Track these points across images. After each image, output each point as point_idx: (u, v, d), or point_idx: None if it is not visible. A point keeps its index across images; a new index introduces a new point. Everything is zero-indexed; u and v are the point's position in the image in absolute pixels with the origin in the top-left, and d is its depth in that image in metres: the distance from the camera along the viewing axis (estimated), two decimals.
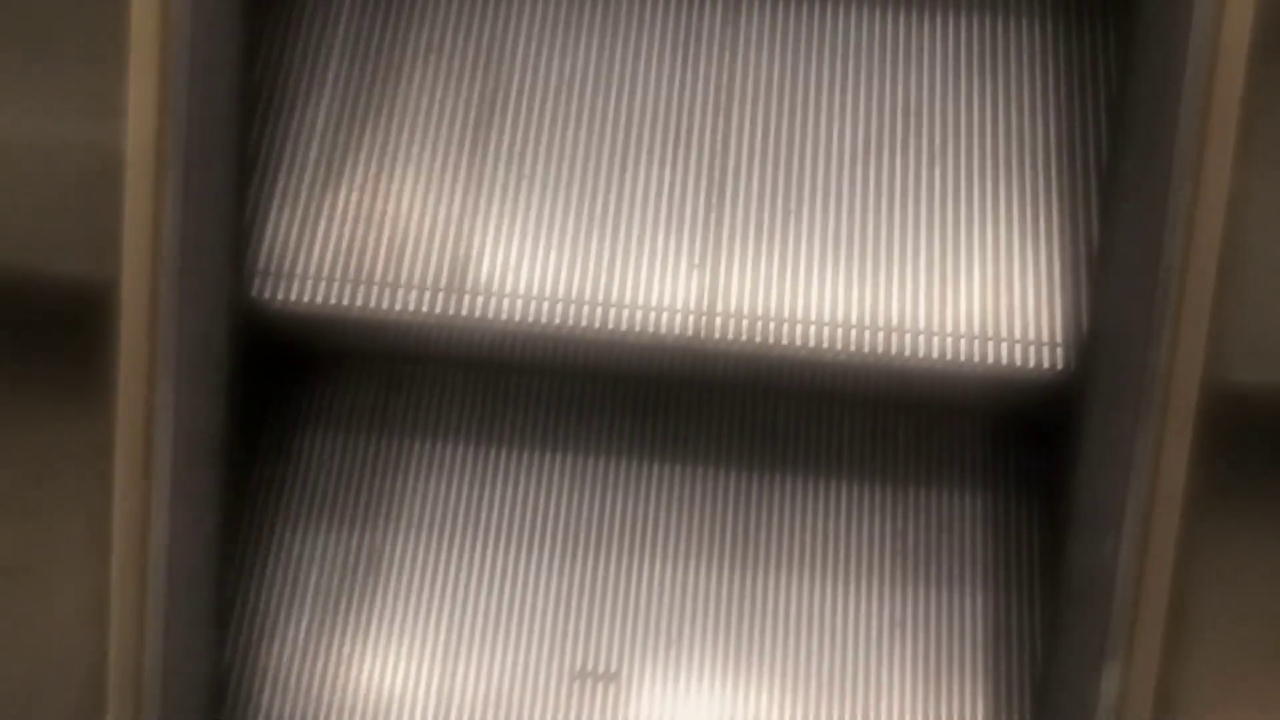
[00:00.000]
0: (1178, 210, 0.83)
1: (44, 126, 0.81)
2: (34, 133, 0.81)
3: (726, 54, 0.97)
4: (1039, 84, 0.95)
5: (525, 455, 0.99)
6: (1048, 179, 0.92)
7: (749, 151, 0.93)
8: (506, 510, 0.97)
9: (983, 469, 0.99)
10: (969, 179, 0.93)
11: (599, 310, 0.89)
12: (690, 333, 0.88)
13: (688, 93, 0.95)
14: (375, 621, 0.94)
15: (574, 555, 0.96)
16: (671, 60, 0.96)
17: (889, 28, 0.97)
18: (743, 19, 0.98)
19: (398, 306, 0.88)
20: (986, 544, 0.96)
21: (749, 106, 0.95)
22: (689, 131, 0.94)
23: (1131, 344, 0.84)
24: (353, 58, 0.94)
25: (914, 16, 0.98)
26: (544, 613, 0.94)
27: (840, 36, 0.97)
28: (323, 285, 0.89)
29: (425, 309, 0.88)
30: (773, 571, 0.95)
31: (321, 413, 1.00)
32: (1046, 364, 0.88)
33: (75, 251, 0.81)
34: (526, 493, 0.98)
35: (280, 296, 0.88)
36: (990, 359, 0.88)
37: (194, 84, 0.79)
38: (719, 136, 0.94)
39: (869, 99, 0.95)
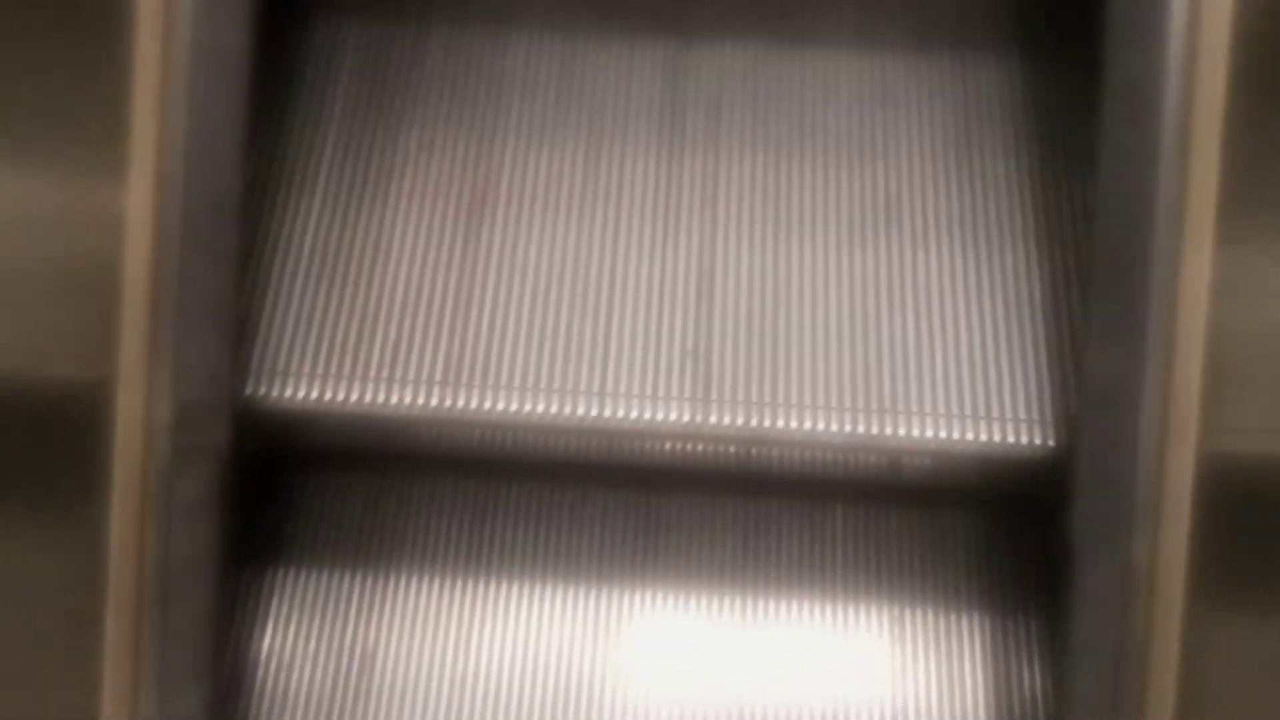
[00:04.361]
0: (1160, 290, 0.85)
1: (43, 231, 0.81)
2: (33, 240, 0.82)
3: (710, 151, 0.99)
4: (1014, 169, 0.98)
5: (515, 558, 0.98)
6: (1028, 259, 0.94)
7: (736, 242, 0.95)
8: (496, 617, 0.96)
9: (978, 553, 0.99)
10: (951, 263, 0.95)
11: (594, 399, 0.89)
12: (686, 419, 0.89)
13: (674, 188, 0.97)
14: None
15: (566, 666, 0.94)
16: (657, 157, 0.98)
17: (866, 120, 1.00)
18: (723, 120, 1.01)
19: (393, 401, 0.88)
20: (985, 627, 0.96)
21: (734, 200, 0.97)
22: (676, 224, 0.96)
23: (1122, 419, 0.85)
24: (344, 157, 0.96)
25: (890, 110, 1.01)
26: (538, 713, 0.93)
27: (820, 131, 1.00)
28: (318, 382, 0.89)
29: (421, 402, 0.88)
30: (768, 671, 0.94)
31: (309, 517, 0.99)
32: (1038, 440, 0.89)
33: (70, 353, 0.81)
34: (517, 600, 0.96)
35: (275, 394, 0.88)
36: (980, 437, 0.89)
37: (190, 184, 0.80)
38: (706, 229, 0.96)
39: (850, 189, 0.98)
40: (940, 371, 0.91)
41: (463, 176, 0.96)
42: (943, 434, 0.89)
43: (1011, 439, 0.89)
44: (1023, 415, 0.89)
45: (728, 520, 0.99)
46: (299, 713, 0.92)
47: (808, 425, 0.89)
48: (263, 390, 0.88)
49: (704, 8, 1.04)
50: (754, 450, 0.92)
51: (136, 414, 0.79)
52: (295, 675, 0.93)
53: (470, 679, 0.94)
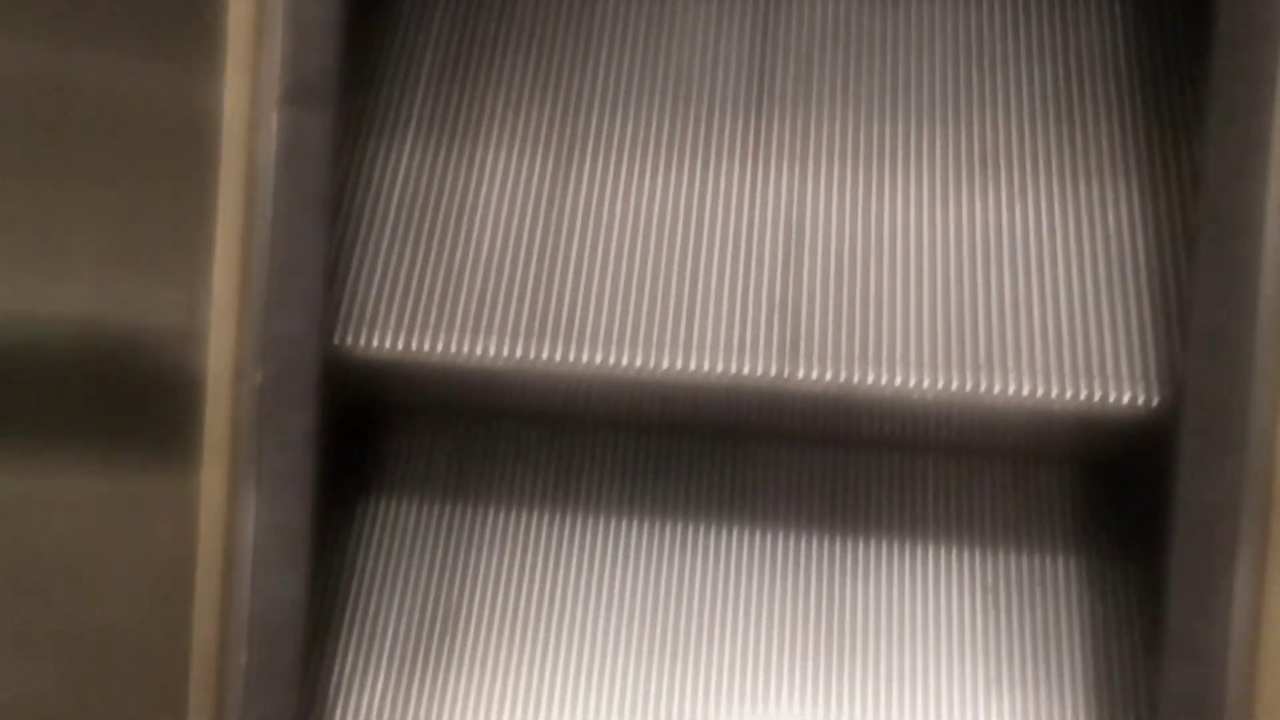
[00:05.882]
0: (1272, 246, 0.81)
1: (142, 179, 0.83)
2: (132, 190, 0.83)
3: (800, 108, 0.98)
4: (1117, 125, 0.94)
5: (600, 514, 0.97)
6: (1131, 215, 0.91)
7: (825, 196, 0.93)
8: (583, 570, 0.96)
9: (1072, 519, 0.96)
10: (1050, 217, 0.92)
11: (679, 352, 0.88)
12: (773, 373, 0.87)
13: (762, 144, 0.96)
14: (452, 684, 0.92)
15: (653, 615, 0.94)
16: (745, 113, 0.97)
17: (963, 77, 0.98)
18: (814, 77, 0.99)
19: (479, 352, 0.88)
20: (1081, 597, 0.93)
21: (824, 155, 0.95)
22: (765, 180, 0.94)
23: (1231, 376, 0.82)
24: (433, 111, 0.96)
25: (987, 67, 0.98)
26: (623, 673, 0.92)
27: (914, 88, 0.98)
28: (404, 333, 0.89)
29: (506, 354, 0.88)
30: (859, 632, 0.92)
31: (395, 469, 1.00)
32: (1141, 400, 0.86)
33: (161, 298, 0.82)
34: (604, 552, 0.96)
35: (363, 344, 0.88)
36: (1080, 395, 0.86)
37: (286, 125, 0.80)
38: (795, 184, 0.94)
39: (944, 144, 0.95)
40: (1038, 327, 0.88)
41: (549, 133, 0.96)
42: (1040, 391, 0.86)
43: (1112, 396, 0.86)
44: (1125, 372, 0.86)
45: (815, 472, 0.97)
46: (382, 662, 0.93)
47: (898, 381, 0.87)
48: (349, 340, 0.88)
49: None
50: (843, 404, 0.90)
51: (228, 362, 0.80)
52: (380, 626, 0.94)
53: (554, 628, 0.93)
